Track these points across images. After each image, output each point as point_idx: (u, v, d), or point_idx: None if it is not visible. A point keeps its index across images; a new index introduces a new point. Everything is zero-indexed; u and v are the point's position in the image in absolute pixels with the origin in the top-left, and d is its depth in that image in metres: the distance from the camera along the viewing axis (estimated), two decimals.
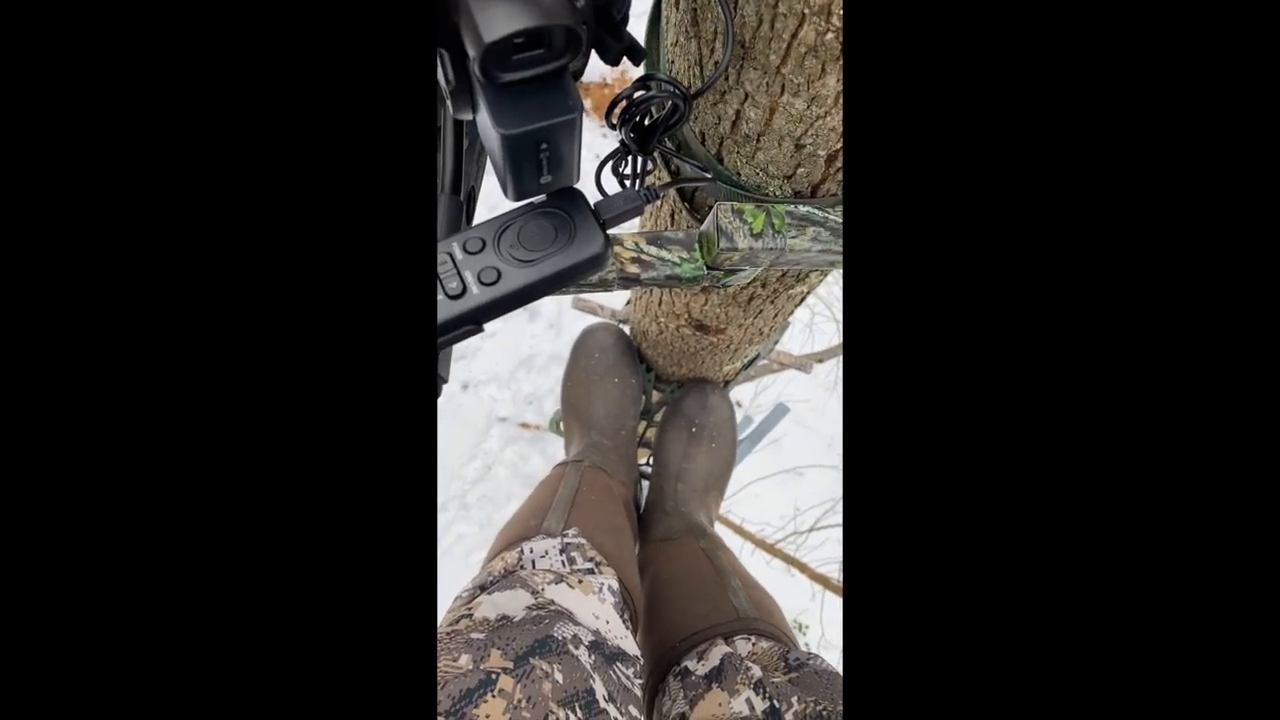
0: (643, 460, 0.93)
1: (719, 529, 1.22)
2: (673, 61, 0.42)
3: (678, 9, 0.38)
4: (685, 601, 0.66)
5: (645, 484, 0.89)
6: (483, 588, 0.55)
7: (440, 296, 0.27)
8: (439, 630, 0.47)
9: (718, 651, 0.56)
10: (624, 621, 0.55)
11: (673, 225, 0.55)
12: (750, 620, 0.62)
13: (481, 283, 0.28)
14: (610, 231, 0.34)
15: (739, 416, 0.94)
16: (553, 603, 0.51)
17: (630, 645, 0.52)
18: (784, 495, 1.65)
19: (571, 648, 0.45)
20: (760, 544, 1.40)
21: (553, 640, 0.45)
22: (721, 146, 0.41)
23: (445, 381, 0.30)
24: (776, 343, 0.84)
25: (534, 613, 0.48)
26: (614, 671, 0.47)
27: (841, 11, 0.29)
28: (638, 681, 0.50)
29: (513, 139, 0.26)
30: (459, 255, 0.28)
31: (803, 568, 1.38)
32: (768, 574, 1.50)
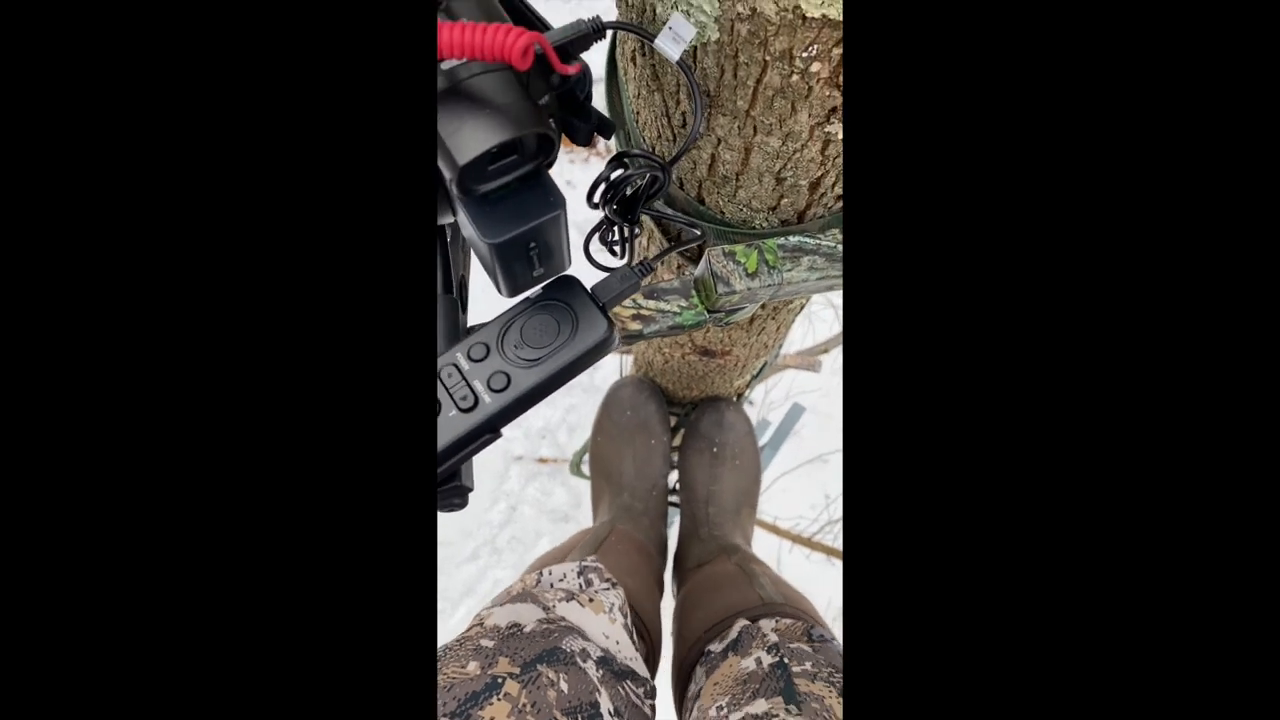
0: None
1: (756, 532, 1.20)
2: (638, 114, 0.42)
3: (635, 64, 0.38)
4: (710, 598, 0.66)
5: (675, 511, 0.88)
6: (499, 605, 0.55)
7: (453, 412, 0.27)
8: (450, 640, 0.48)
9: (737, 627, 0.56)
10: (634, 643, 0.55)
11: (661, 263, 0.55)
12: (775, 604, 0.61)
13: (492, 389, 0.27)
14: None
15: (754, 419, 0.94)
16: (563, 619, 0.51)
17: (641, 667, 0.52)
18: (813, 485, 1.65)
19: (579, 660, 0.46)
20: (798, 539, 1.39)
21: (560, 651, 0.45)
22: (701, 189, 0.41)
23: (471, 490, 0.30)
24: (781, 347, 0.83)
25: (544, 626, 0.48)
26: (623, 688, 0.47)
27: (804, 54, 0.29)
28: (649, 702, 0.50)
29: (500, 247, 0.25)
30: (465, 365, 0.28)
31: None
32: (809, 568, 1.49)
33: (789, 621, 0.57)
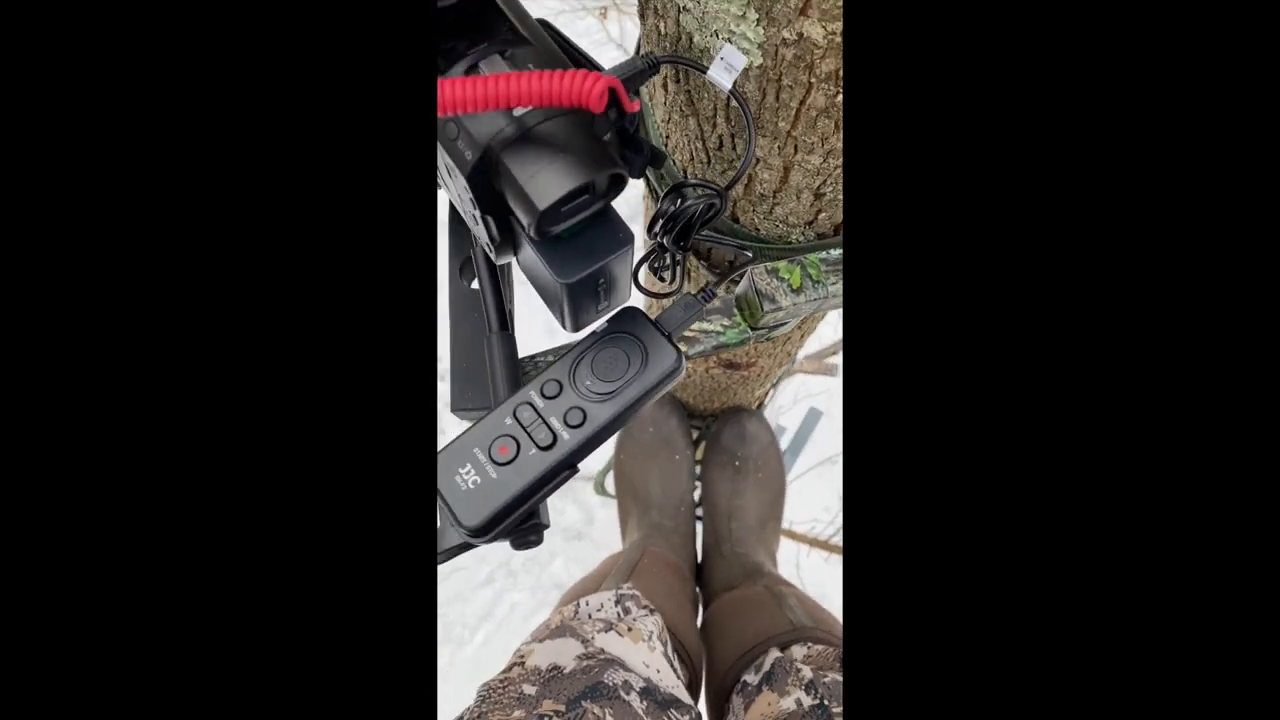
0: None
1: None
2: (667, 138, 0.42)
3: (666, 90, 0.39)
4: (741, 623, 0.66)
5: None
6: (539, 641, 0.54)
7: (533, 451, 0.27)
8: (493, 679, 0.48)
9: (770, 658, 0.56)
10: (675, 671, 0.55)
11: (689, 281, 0.55)
12: (805, 629, 0.62)
13: (569, 425, 0.27)
14: None
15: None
16: (603, 651, 0.51)
17: (684, 695, 0.52)
18: (824, 486, 1.64)
19: (623, 693, 0.46)
20: (814, 543, 1.39)
21: (603, 686, 0.45)
22: (736, 207, 0.41)
23: (547, 527, 0.30)
24: (797, 353, 0.84)
25: (584, 662, 0.48)
26: (668, 718, 0.47)
27: None
28: None
29: (574, 285, 0.26)
30: (540, 403, 0.28)
31: None
32: (828, 571, 1.49)
33: (820, 648, 0.58)
